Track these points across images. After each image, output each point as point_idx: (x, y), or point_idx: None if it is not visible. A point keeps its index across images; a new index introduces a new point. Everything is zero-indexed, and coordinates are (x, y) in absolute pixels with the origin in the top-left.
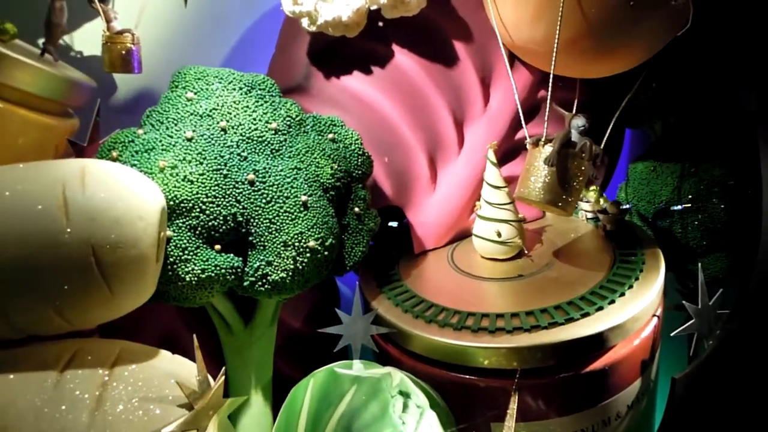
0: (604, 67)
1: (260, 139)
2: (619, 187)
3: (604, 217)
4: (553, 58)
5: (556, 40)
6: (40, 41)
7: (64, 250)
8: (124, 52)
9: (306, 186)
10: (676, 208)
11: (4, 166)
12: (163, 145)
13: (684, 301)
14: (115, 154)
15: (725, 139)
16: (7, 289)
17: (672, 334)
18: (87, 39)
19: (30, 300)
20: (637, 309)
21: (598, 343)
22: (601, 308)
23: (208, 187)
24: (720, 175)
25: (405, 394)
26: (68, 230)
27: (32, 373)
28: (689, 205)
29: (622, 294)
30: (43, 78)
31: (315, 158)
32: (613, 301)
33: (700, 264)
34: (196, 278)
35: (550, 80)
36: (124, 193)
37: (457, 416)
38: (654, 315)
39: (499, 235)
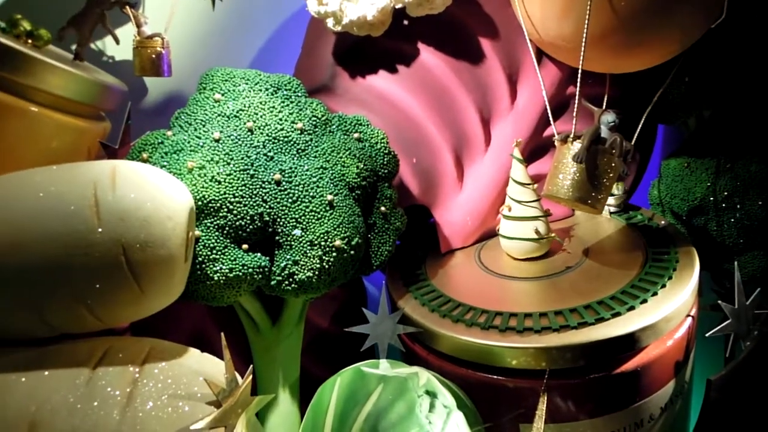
0: (635, 62)
1: (286, 139)
2: (652, 184)
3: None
4: (582, 54)
5: (584, 36)
6: (72, 46)
7: (95, 249)
8: (154, 55)
9: (332, 185)
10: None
11: (38, 168)
12: (191, 146)
13: (720, 301)
14: (145, 155)
15: (763, 134)
16: (41, 288)
17: (707, 335)
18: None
19: (63, 298)
20: (670, 309)
21: (630, 343)
22: (632, 308)
23: (235, 187)
24: (757, 171)
25: (432, 394)
26: (99, 230)
27: (65, 370)
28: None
29: (655, 293)
30: (77, 82)
31: (341, 158)
32: (645, 301)
33: (736, 263)
34: (224, 277)
35: (579, 76)
36: (153, 194)
37: (484, 417)
38: (688, 315)
39: (538, 232)
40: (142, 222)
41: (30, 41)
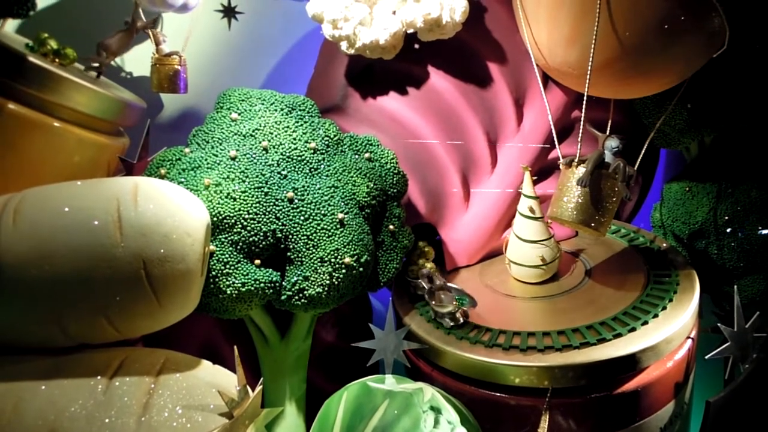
0: (639, 89)
1: (300, 158)
2: (654, 207)
3: None
4: (587, 80)
5: (590, 63)
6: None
7: (117, 263)
8: (171, 73)
9: (343, 204)
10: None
11: (63, 183)
12: (208, 163)
13: (719, 324)
14: (163, 171)
15: (763, 161)
16: (64, 299)
17: (707, 357)
18: (136, 60)
19: (84, 309)
20: (670, 331)
21: (631, 364)
22: (633, 329)
23: (249, 204)
24: (758, 197)
25: (436, 410)
26: (122, 245)
27: (84, 379)
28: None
29: (656, 315)
30: (100, 100)
31: (352, 177)
32: (646, 322)
33: (736, 286)
34: (236, 291)
35: (584, 101)
36: (173, 210)
37: None
38: (688, 337)
39: (544, 259)
40: (162, 238)
41: (57, 59)
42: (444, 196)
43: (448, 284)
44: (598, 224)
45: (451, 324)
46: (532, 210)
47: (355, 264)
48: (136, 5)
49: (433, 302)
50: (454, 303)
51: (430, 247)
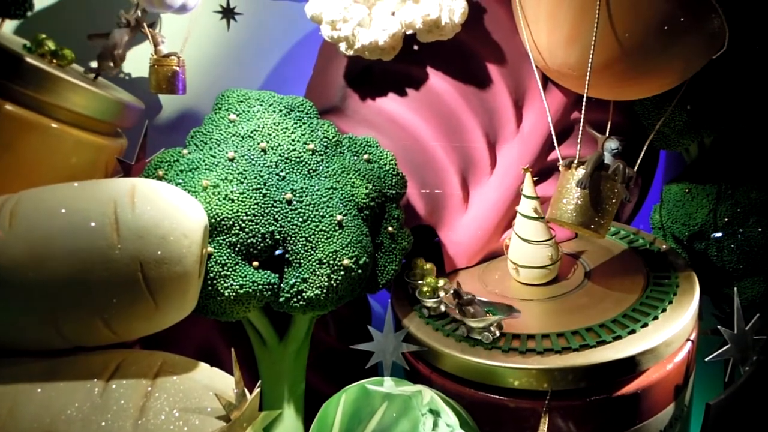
0: (638, 90)
1: (298, 159)
2: (654, 208)
3: None
4: (587, 82)
5: (590, 64)
6: (92, 64)
7: (114, 265)
8: (170, 74)
9: (341, 205)
10: (716, 235)
11: (60, 185)
12: (206, 164)
13: (719, 326)
14: (161, 172)
15: (763, 162)
16: (61, 301)
17: (707, 359)
18: (134, 61)
19: (81, 311)
20: (670, 333)
21: (630, 366)
22: (633, 331)
23: (247, 206)
24: (757, 198)
25: (435, 413)
26: (119, 247)
27: (80, 382)
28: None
29: (655, 317)
30: (97, 101)
31: (350, 178)
32: (645, 325)
33: (736, 288)
34: (234, 293)
35: (584, 103)
36: (170, 212)
37: None
38: (688, 339)
39: (552, 259)
40: (159, 240)
41: (54, 60)
42: (443, 197)
43: (478, 297)
44: (598, 226)
45: (491, 338)
46: (536, 211)
47: (353, 266)
48: (144, 11)
49: (468, 318)
50: (490, 315)
51: (430, 263)
